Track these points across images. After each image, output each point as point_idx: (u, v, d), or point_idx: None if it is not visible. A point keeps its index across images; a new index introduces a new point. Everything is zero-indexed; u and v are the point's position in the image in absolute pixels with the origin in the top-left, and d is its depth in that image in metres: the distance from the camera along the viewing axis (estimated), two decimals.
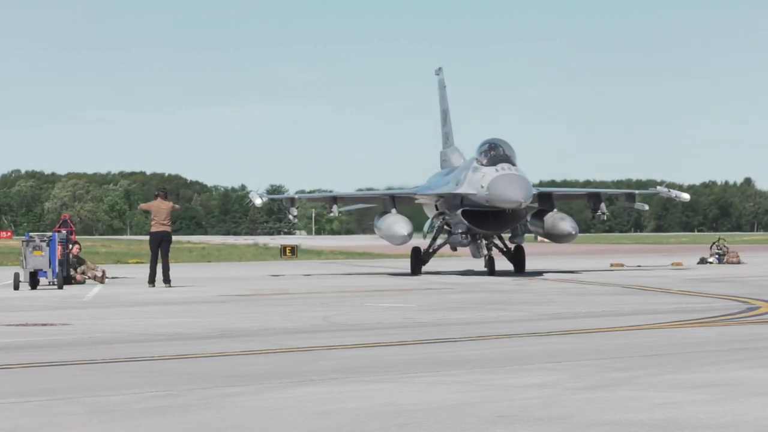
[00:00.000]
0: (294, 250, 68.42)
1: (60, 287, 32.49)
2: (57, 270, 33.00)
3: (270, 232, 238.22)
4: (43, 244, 33.07)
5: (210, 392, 10.48)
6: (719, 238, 53.31)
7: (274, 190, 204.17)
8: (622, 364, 12.34)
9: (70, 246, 35.47)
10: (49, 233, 34.37)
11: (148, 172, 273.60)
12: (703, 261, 50.22)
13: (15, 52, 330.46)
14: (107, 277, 36.56)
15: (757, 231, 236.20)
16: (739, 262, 49.07)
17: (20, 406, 9.83)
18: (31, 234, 34.04)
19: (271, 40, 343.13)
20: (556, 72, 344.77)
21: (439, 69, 49.26)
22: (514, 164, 38.60)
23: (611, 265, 47.77)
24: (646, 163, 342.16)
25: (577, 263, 50.95)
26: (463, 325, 18.04)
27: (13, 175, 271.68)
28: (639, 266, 47.07)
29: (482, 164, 38.90)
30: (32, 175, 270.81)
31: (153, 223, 33.06)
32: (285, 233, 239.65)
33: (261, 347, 14.83)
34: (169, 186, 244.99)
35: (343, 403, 9.76)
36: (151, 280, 32.11)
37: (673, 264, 49.28)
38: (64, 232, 35.89)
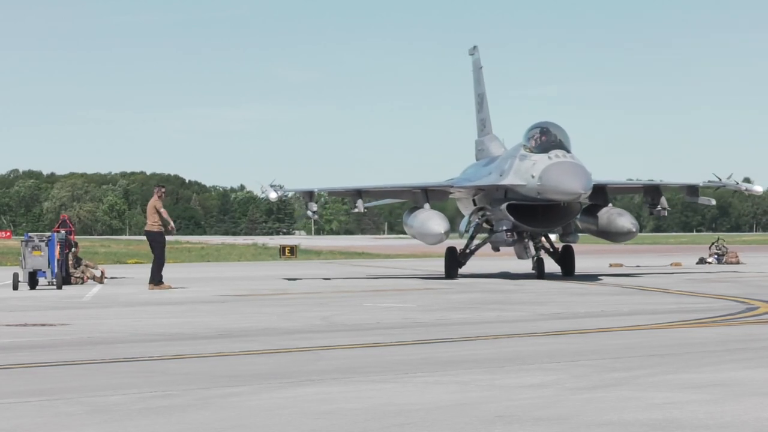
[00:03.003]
0: (293, 250, 68.44)
1: (59, 287, 32.48)
2: (56, 270, 33.00)
3: (269, 232, 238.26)
4: (42, 244, 33.05)
5: (209, 392, 10.48)
6: (718, 239, 53.36)
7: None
8: (621, 364, 12.34)
9: (72, 247, 35.46)
10: (48, 233, 34.35)
11: (147, 172, 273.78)
12: (702, 261, 50.24)
13: (15, 52, 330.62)
14: (106, 277, 36.56)
15: (756, 231, 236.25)
16: (738, 263, 49.09)
17: (20, 406, 9.82)
18: (30, 234, 34.02)
19: (271, 40, 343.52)
20: (546, 71, 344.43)
21: (474, 48, 44.23)
22: (569, 151, 34.09)
23: (610, 265, 47.76)
24: (644, 162, 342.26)
25: (577, 264, 50.79)
26: (462, 325, 18.04)
27: (12, 175, 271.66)
28: (638, 266, 47.06)
29: (531, 151, 34.40)
30: (31, 174, 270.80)
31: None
32: (284, 233, 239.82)
33: (260, 347, 14.83)
34: (168, 186, 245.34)
35: (342, 403, 9.76)
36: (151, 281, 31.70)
37: (672, 264, 49.28)
38: (63, 232, 35.88)
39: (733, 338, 15.57)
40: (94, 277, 35.97)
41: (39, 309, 23.30)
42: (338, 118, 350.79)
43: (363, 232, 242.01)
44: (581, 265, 47.05)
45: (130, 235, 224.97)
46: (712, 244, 51.84)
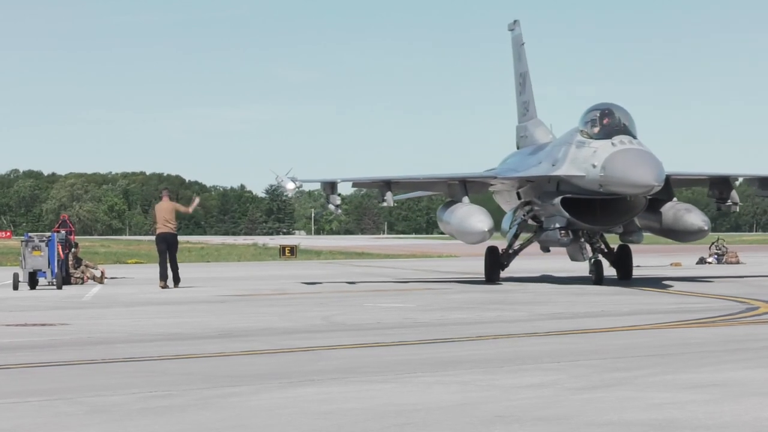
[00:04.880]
0: (293, 250, 68.45)
1: (59, 287, 32.48)
2: (56, 270, 33.00)
3: (269, 232, 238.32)
4: (42, 245, 33.06)
5: (209, 392, 10.48)
6: (718, 239, 53.33)
7: (274, 190, 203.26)
8: (621, 364, 12.35)
9: (72, 248, 35.46)
10: (49, 233, 34.36)
11: (147, 172, 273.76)
12: (702, 261, 50.24)
13: (15, 52, 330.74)
14: (106, 277, 36.56)
15: (756, 231, 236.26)
16: (738, 263, 49.10)
17: (20, 406, 9.83)
18: (30, 234, 34.03)
19: (271, 40, 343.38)
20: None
21: (515, 23, 39.11)
22: (635, 137, 29.89)
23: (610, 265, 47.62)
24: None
25: (575, 264, 50.62)
26: (462, 325, 18.04)
27: (12, 175, 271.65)
28: (638, 266, 46.97)
29: (590, 137, 30.25)
30: (31, 174, 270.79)
31: (157, 225, 32.98)
32: (284, 233, 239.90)
33: (261, 347, 14.83)
34: (169, 186, 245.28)
35: (342, 403, 9.76)
36: (162, 278, 31.67)
37: (672, 264, 49.25)
38: (63, 232, 35.87)
39: (733, 338, 15.58)
40: (94, 277, 35.97)
41: (39, 309, 23.31)
42: (338, 118, 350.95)
43: (363, 232, 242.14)
44: (580, 265, 45.44)
45: (130, 235, 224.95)
46: (712, 244, 51.82)
